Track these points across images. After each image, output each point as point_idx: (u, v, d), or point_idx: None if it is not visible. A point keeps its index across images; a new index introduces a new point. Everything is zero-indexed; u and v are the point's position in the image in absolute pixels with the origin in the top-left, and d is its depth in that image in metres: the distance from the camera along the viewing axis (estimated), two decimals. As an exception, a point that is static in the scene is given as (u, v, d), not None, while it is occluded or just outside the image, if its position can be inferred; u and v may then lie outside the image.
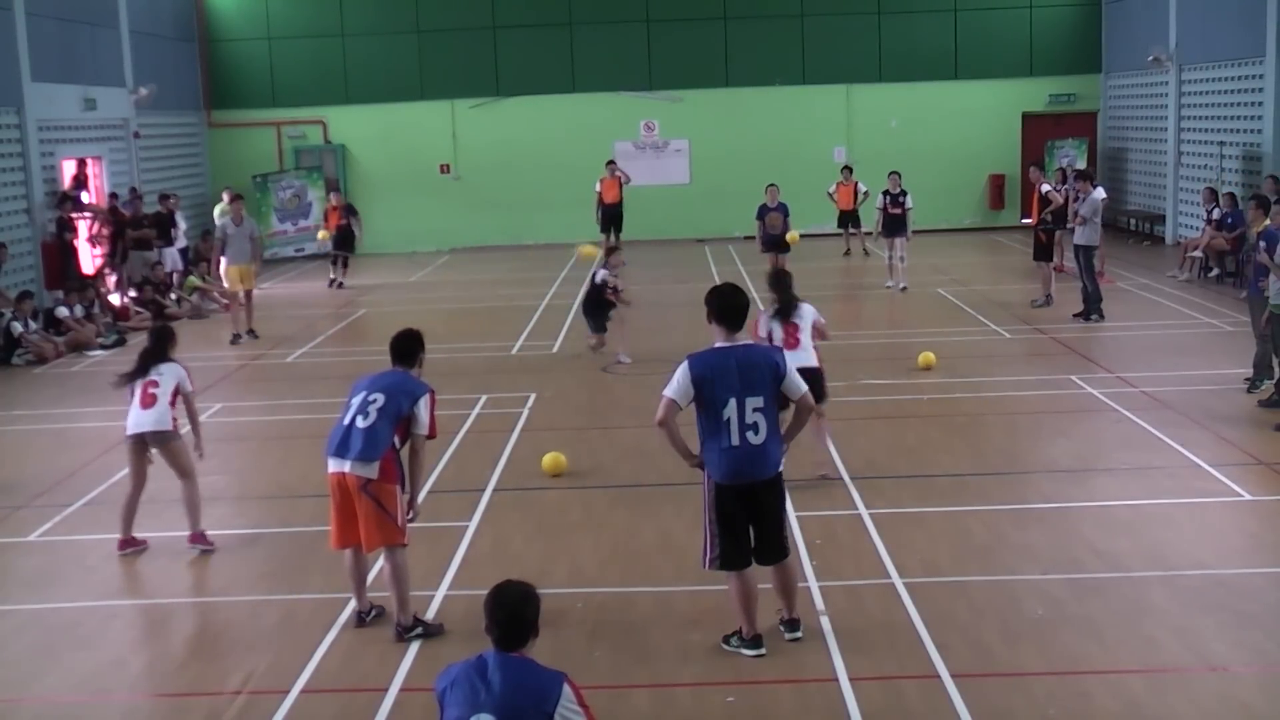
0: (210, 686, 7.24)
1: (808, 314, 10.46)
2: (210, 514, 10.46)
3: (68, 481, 11.50)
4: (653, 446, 11.93)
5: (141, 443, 9.63)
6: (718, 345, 7.33)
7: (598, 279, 15.87)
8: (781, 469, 7.35)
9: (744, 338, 7.42)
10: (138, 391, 9.57)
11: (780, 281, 10.71)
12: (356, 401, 7.79)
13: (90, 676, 7.45)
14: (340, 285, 24.00)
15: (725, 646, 7.46)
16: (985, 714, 6.58)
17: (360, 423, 7.66)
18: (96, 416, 14.04)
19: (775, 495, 7.34)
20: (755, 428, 7.12)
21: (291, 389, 15.34)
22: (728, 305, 7.32)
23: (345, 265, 24.40)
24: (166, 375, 9.60)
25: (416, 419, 7.74)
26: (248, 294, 18.78)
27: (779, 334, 10.28)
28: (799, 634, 7.53)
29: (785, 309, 10.41)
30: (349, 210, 24.65)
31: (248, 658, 7.58)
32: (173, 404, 9.59)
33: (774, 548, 7.38)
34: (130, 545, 9.59)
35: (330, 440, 7.80)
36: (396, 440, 7.72)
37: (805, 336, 10.32)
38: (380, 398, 7.71)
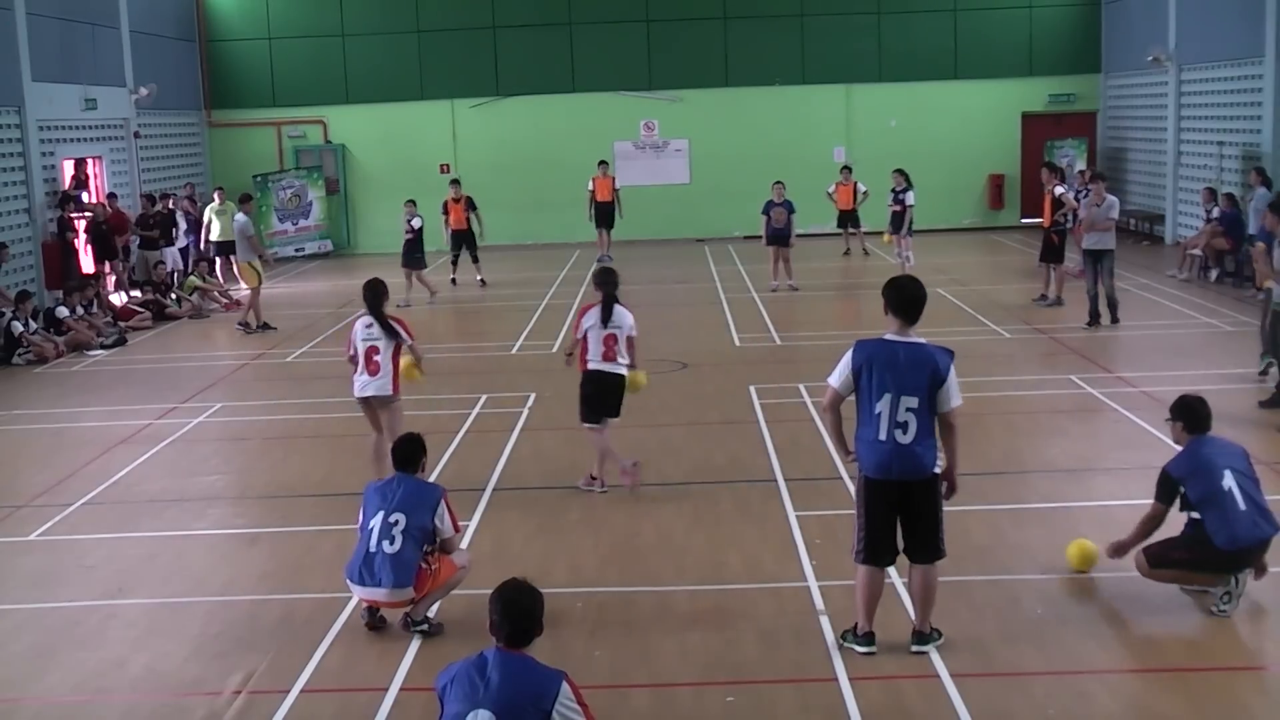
0: (210, 686, 7.23)
1: (627, 322, 10.32)
2: (210, 514, 10.50)
3: (68, 481, 11.50)
4: (652, 446, 11.96)
5: (369, 405, 10.43)
6: (886, 336, 7.08)
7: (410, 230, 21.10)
8: (938, 470, 7.04)
9: (914, 334, 7.09)
10: (361, 360, 10.26)
11: (608, 278, 10.41)
12: (377, 524, 7.62)
13: (90, 676, 7.44)
14: (483, 283, 23.04)
15: (842, 643, 7.35)
16: (985, 714, 6.57)
17: (387, 548, 7.54)
18: (96, 416, 14.05)
19: (928, 497, 7.03)
20: (905, 427, 6.87)
21: (291, 389, 15.34)
22: (906, 297, 7.07)
23: (476, 260, 23.22)
24: (384, 337, 10.23)
25: (441, 529, 7.70)
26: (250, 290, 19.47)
27: (596, 341, 10.17)
28: (926, 648, 7.24)
29: (608, 312, 10.19)
30: (470, 204, 23.25)
31: (248, 658, 7.57)
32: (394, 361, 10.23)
33: (928, 547, 7.12)
34: None
35: (351, 566, 7.68)
36: (426, 548, 7.68)
37: (622, 347, 10.27)
38: (401, 518, 7.59)
